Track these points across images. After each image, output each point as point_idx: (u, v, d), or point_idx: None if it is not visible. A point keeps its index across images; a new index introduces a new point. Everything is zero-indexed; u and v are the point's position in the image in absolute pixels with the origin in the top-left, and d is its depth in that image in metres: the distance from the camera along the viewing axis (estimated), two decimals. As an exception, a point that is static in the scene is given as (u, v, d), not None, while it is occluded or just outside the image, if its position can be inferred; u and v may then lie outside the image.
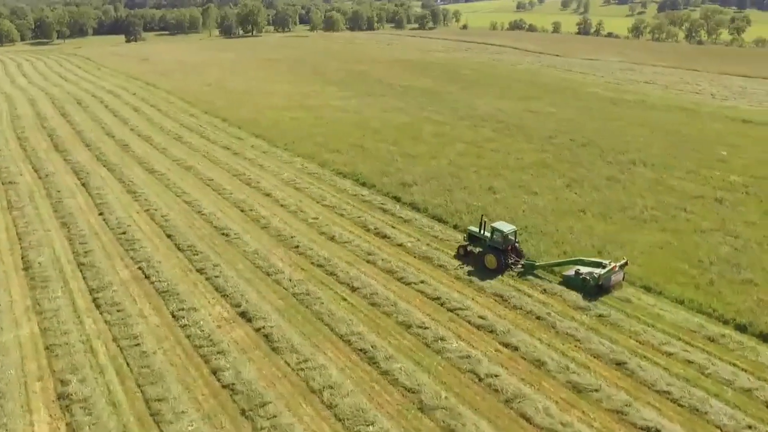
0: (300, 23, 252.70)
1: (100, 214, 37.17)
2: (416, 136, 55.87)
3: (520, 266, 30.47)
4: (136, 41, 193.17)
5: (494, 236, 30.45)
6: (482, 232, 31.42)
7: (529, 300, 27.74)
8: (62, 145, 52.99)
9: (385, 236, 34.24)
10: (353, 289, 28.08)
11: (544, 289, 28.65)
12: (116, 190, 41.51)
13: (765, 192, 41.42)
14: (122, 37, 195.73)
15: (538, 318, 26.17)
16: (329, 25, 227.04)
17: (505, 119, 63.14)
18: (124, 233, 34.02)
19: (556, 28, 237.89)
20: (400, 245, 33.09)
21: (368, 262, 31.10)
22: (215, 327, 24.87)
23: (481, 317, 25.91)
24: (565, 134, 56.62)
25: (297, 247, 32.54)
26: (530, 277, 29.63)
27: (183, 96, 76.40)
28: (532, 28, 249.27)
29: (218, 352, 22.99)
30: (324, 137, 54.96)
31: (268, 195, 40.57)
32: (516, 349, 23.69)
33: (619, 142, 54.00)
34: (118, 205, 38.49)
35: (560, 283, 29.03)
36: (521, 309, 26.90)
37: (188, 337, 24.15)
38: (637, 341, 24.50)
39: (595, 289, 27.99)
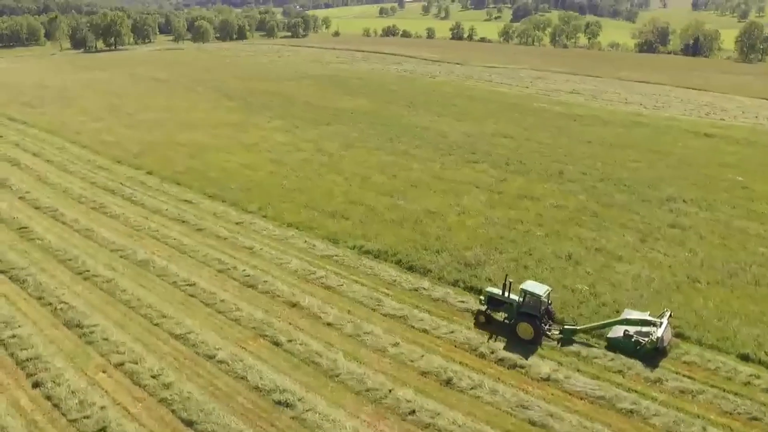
0: (159, 33, 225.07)
1: None
2: (413, 181, 44.65)
3: (557, 332, 25.30)
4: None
5: (526, 300, 25.11)
6: (506, 294, 25.82)
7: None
8: None
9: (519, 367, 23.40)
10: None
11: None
12: (39, 340, 24.40)
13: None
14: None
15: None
16: (198, 36, 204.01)
17: (488, 149, 54.13)
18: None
19: (431, 34, 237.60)
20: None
21: None
22: None
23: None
24: (571, 167, 48.70)
25: (412, 413, 20.63)
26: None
27: (72, 137, 57.41)
28: (406, 34, 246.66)
29: None
30: (303, 193, 41.80)
31: (294, 305, 27.35)
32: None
33: (635, 174, 47.22)
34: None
35: (607, 348, 24.44)
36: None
37: None
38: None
39: (651, 353, 23.77)
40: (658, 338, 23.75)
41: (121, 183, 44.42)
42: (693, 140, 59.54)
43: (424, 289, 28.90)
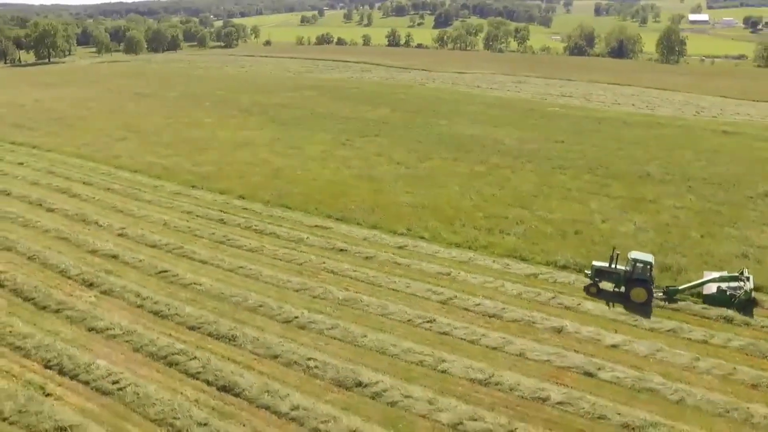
0: (77, 45, 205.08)
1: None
2: (533, 191, 43.16)
3: (661, 294, 28.06)
4: None
5: (636, 267, 27.70)
6: (613, 266, 28.40)
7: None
8: None
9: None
10: None
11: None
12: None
13: None
14: None
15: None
16: (129, 47, 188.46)
17: (560, 155, 53.34)
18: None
19: (367, 41, 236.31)
20: None
21: None
22: None
23: None
24: (650, 168, 49.44)
25: None
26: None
27: (110, 160, 49.87)
28: (341, 42, 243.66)
29: None
30: (435, 210, 38.58)
31: (559, 331, 24.97)
32: None
33: (710, 171, 48.60)
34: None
35: (704, 302, 27.44)
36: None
37: None
38: None
39: (744, 303, 27.00)
40: (750, 289, 27.15)
41: (221, 210, 38.93)
42: (719, 138, 62.78)
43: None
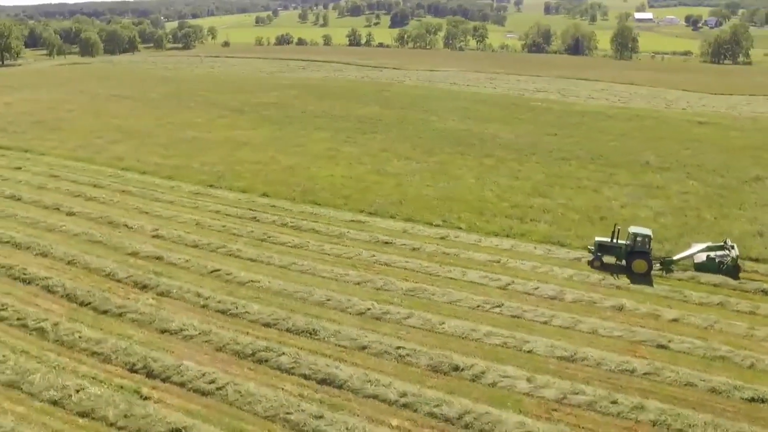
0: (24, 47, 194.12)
1: None
2: (550, 182, 44.46)
3: (658, 265, 30.07)
4: None
5: (637, 240, 29.64)
6: (615, 240, 30.37)
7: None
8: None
9: None
10: None
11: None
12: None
13: None
14: None
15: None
16: (86, 49, 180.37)
17: (560, 147, 55.11)
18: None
19: (327, 41, 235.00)
20: None
21: None
22: None
23: None
24: (652, 157, 51.84)
25: None
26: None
27: (134, 165, 47.54)
28: (301, 42, 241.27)
29: None
30: (460, 201, 39.22)
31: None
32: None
33: (709, 160, 51.03)
34: None
35: (696, 270, 29.79)
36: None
37: None
38: None
39: (731, 269, 29.34)
40: (737, 256, 29.74)
41: (249, 209, 38.02)
42: (696, 128, 66.16)
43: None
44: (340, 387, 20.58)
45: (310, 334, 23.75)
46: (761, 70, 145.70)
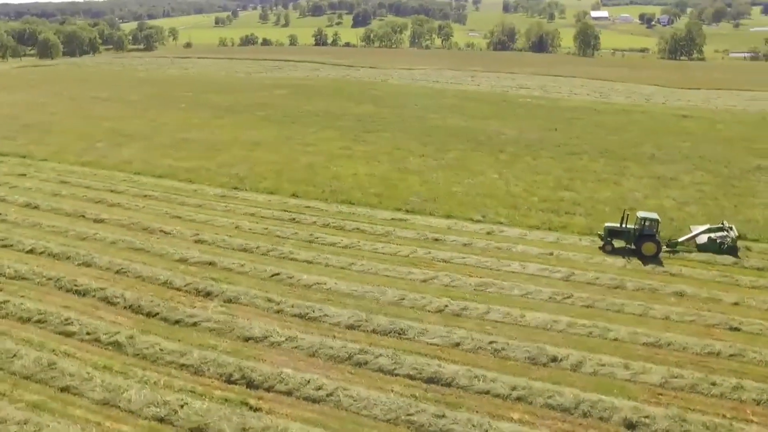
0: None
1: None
2: (571, 177, 45.40)
3: (665, 247, 31.38)
4: None
5: (646, 224, 30.97)
6: (624, 225, 31.48)
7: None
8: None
9: None
10: None
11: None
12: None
13: None
14: None
15: None
16: (45, 51, 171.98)
17: (572, 142, 56.41)
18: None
19: (293, 41, 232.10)
20: None
21: None
22: None
23: None
24: (655, 151, 53.52)
25: None
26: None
27: (152, 170, 45.34)
28: (266, 42, 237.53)
29: None
30: (491, 198, 39.65)
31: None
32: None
33: (708, 151, 53.14)
34: None
35: (698, 251, 31.39)
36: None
37: None
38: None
39: (731, 249, 31.02)
40: (736, 237, 31.45)
41: (284, 210, 37.06)
42: (683, 122, 68.86)
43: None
44: (448, 385, 20.38)
45: (399, 334, 23.40)
46: (716, 66, 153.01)
